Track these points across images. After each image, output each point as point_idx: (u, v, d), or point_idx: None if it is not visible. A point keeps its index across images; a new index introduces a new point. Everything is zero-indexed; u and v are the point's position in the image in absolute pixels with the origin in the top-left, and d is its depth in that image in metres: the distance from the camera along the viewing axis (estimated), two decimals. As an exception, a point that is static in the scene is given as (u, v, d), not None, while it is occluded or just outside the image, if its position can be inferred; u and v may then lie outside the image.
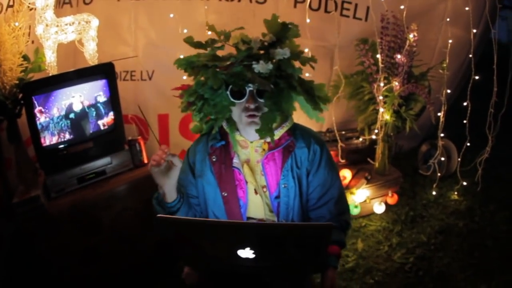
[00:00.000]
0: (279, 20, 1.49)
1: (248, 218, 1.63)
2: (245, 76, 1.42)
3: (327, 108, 1.53)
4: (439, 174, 3.16)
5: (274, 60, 1.46)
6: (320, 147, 1.61)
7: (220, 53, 1.51)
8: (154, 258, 2.48)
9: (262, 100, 1.47)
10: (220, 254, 1.40)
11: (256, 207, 1.62)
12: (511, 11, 5.40)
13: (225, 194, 1.59)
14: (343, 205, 1.67)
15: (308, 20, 2.69)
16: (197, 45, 1.51)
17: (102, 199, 2.24)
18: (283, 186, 1.57)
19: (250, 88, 1.46)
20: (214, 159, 1.59)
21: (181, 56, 1.50)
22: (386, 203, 3.08)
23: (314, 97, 1.50)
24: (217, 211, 1.62)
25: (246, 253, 1.30)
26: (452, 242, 2.78)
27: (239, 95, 1.47)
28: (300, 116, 1.61)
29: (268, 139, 1.54)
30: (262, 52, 1.48)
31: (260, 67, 1.41)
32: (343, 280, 2.49)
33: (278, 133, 1.57)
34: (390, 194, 3.07)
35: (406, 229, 2.93)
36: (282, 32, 1.49)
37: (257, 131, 1.45)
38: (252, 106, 1.46)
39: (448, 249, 2.71)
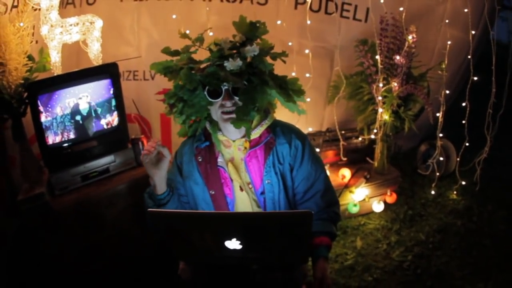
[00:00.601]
0: (247, 20, 1.58)
1: None
2: (218, 75, 1.50)
3: (303, 100, 1.62)
4: (437, 174, 3.18)
5: (247, 59, 1.54)
6: (302, 142, 1.67)
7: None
8: (156, 255, 2.47)
9: (237, 97, 1.54)
10: (209, 246, 1.45)
11: (243, 203, 1.69)
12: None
13: (213, 192, 1.67)
14: (330, 197, 1.71)
15: (308, 22, 2.72)
16: (174, 53, 1.61)
17: (105, 196, 2.27)
18: (266, 182, 1.64)
19: (226, 87, 1.54)
20: (200, 160, 1.68)
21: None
22: (385, 202, 3.10)
23: (288, 90, 1.59)
24: (206, 209, 1.69)
25: (234, 244, 1.36)
26: (451, 241, 2.79)
27: (216, 94, 1.55)
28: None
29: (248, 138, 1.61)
30: (234, 52, 1.55)
31: (230, 64, 1.49)
32: (342, 277, 2.52)
33: (258, 131, 1.64)
34: (389, 193, 3.09)
35: (405, 227, 2.94)
36: (251, 31, 1.58)
37: (232, 122, 1.53)
38: (228, 103, 1.54)
39: (446, 248, 2.73)
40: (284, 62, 1.64)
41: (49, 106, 2.12)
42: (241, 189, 1.67)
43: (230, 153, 1.67)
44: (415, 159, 3.61)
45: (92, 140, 2.31)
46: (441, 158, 3.25)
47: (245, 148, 1.65)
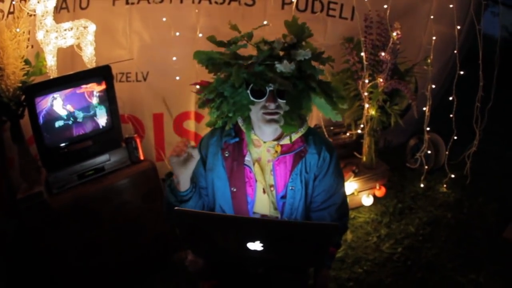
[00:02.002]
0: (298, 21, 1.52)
1: (254, 213, 1.67)
2: (266, 76, 1.44)
3: (346, 106, 1.57)
4: (426, 167, 3.21)
5: (295, 61, 1.47)
6: (330, 154, 1.64)
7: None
8: (152, 250, 2.56)
9: (281, 100, 1.48)
10: (230, 246, 1.46)
11: (262, 204, 1.67)
12: (504, 7, 5.44)
13: (234, 190, 1.62)
14: (344, 210, 1.72)
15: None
16: (220, 44, 1.53)
17: (101, 194, 2.32)
18: (290, 188, 1.61)
19: (271, 88, 1.47)
20: (226, 155, 1.62)
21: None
22: (374, 196, 3.13)
23: (333, 97, 1.51)
24: (224, 204, 1.66)
25: (255, 245, 1.36)
26: (441, 233, 2.83)
27: (259, 94, 1.48)
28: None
29: (282, 141, 1.59)
30: (283, 53, 1.50)
31: (283, 67, 1.43)
32: (333, 269, 2.53)
33: (293, 138, 1.59)
34: (377, 187, 3.12)
35: (395, 220, 2.97)
36: (301, 33, 1.53)
37: (281, 127, 1.49)
38: (272, 105, 1.48)
39: (437, 240, 2.76)
40: (333, 67, 1.58)
41: (46, 107, 2.17)
42: (264, 192, 1.63)
43: (258, 153, 1.63)
44: (404, 153, 3.64)
45: (88, 140, 2.35)
46: (429, 152, 3.29)
47: (276, 151, 1.61)
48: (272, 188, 1.63)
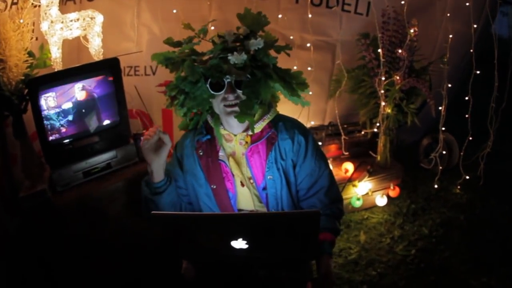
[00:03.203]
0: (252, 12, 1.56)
1: (239, 209, 1.68)
2: (222, 68, 1.47)
3: (308, 91, 1.60)
4: (440, 168, 3.17)
5: (250, 52, 1.50)
6: (305, 137, 1.63)
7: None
8: (159, 251, 2.47)
9: (240, 91, 1.51)
10: (215, 246, 1.43)
11: (245, 199, 1.67)
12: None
13: (214, 187, 1.64)
14: (334, 193, 1.69)
15: (310, 15, 2.71)
16: (176, 44, 1.58)
17: (108, 192, 2.26)
18: (268, 178, 1.61)
19: (228, 80, 1.51)
20: (201, 153, 1.66)
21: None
22: (388, 196, 3.10)
23: (291, 83, 1.56)
24: (208, 203, 1.67)
25: (240, 243, 1.34)
26: (454, 235, 2.80)
27: (218, 87, 1.52)
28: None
29: (250, 132, 1.59)
30: (237, 44, 1.53)
31: (235, 58, 1.46)
32: (346, 271, 2.52)
33: (260, 126, 1.62)
34: (392, 187, 3.09)
35: (408, 221, 2.95)
36: (255, 24, 1.55)
37: (235, 116, 1.50)
38: (231, 96, 1.52)
39: (450, 242, 2.73)
40: (288, 55, 1.62)
41: (50, 102, 2.10)
42: (242, 185, 1.65)
43: (231, 147, 1.65)
44: (417, 153, 3.61)
45: (94, 136, 2.29)
46: (444, 152, 3.24)
47: (247, 142, 1.63)
48: (251, 181, 1.64)
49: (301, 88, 1.58)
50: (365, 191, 3.01)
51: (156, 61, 1.58)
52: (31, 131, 2.21)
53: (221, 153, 1.65)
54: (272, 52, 1.58)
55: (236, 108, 1.52)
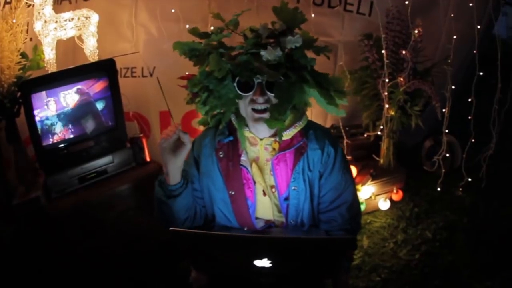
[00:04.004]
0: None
1: (256, 218, 1.57)
2: (252, 66, 1.34)
3: (346, 101, 1.44)
4: (443, 171, 3.12)
5: (285, 50, 1.36)
6: (335, 149, 1.53)
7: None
8: (158, 258, 2.43)
9: (271, 94, 1.38)
10: (236, 264, 1.35)
11: (264, 208, 1.56)
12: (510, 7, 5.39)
13: (232, 193, 1.52)
14: (355, 208, 1.61)
15: (312, 15, 2.66)
16: (203, 35, 1.44)
17: (104, 199, 2.22)
18: (293, 188, 1.50)
19: (259, 80, 1.37)
20: (221, 155, 1.53)
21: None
22: (391, 200, 3.07)
23: (329, 90, 1.40)
24: (224, 209, 1.56)
25: (263, 262, 1.26)
26: (457, 238, 2.76)
27: (247, 87, 1.39)
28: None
29: (278, 138, 1.48)
30: (272, 40, 1.38)
31: (268, 53, 1.32)
32: (350, 277, 2.43)
33: (291, 133, 1.49)
34: (395, 191, 3.06)
35: (411, 225, 2.91)
36: (292, 19, 1.40)
37: (265, 121, 1.38)
38: (260, 99, 1.38)
39: (453, 246, 2.70)
40: (328, 58, 1.48)
41: (43, 105, 2.06)
42: (264, 194, 1.53)
43: (255, 152, 1.52)
44: (419, 155, 3.57)
45: (89, 140, 2.25)
46: (447, 155, 3.19)
47: (274, 149, 1.50)
48: (273, 190, 1.53)
49: (339, 97, 1.42)
50: (368, 195, 2.97)
51: (178, 51, 1.42)
52: (24, 135, 2.16)
53: (243, 158, 1.52)
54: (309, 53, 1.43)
55: (266, 115, 1.39)
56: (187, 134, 1.40)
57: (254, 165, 1.52)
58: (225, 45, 1.41)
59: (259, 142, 1.51)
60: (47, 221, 2.05)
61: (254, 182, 1.52)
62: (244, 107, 1.44)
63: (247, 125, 1.50)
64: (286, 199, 1.52)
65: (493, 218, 2.94)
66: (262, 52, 1.32)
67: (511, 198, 3.08)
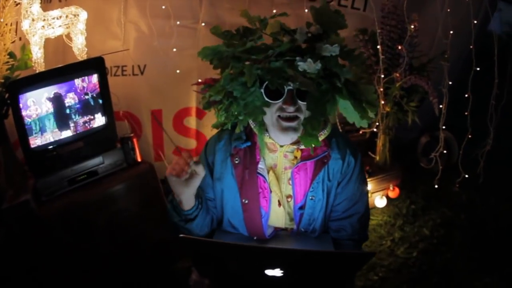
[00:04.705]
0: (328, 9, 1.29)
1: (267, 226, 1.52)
2: (285, 74, 1.23)
3: (373, 116, 1.35)
4: (440, 167, 3.09)
5: (319, 57, 1.26)
6: (355, 158, 1.47)
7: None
8: (152, 260, 2.42)
9: (302, 103, 1.30)
10: (246, 273, 1.31)
11: (277, 217, 1.50)
12: (505, 3, 5.38)
13: (246, 202, 1.44)
14: (365, 220, 1.57)
15: (306, 11, 2.62)
16: (227, 36, 1.32)
17: (95, 201, 2.17)
18: (310, 198, 1.44)
19: (290, 88, 1.28)
20: (236, 161, 1.44)
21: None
22: (387, 197, 3.05)
23: (362, 102, 1.30)
24: (233, 218, 1.50)
25: (275, 272, 1.20)
26: (455, 235, 2.75)
27: (276, 94, 1.29)
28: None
29: (302, 146, 1.39)
30: (305, 45, 1.29)
31: (307, 66, 1.21)
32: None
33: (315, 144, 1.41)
34: (391, 188, 3.04)
35: (408, 223, 2.89)
36: (331, 23, 1.29)
37: (300, 137, 1.29)
38: (291, 108, 1.29)
39: (451, 243, 2.68)
40: (365, 67, 1.42)
41: (32, 105, 2.01)
42: (279, 204, 1.47)
43: (273, 159, 1.45)
44: (414, 151, 3.55)
45: (79, 141, 2.19)
46: (445, 152, 3.16)
47: (295, 157, 1.42)
48: (289, 199, 1.46)
49: (371, 109, 1.32)
50: (364, 193, 2.92)
51: (202, 56, 1.32)
52: (13, 138, 2.12)
53: (260, 165, 1.43)
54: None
55: (294, 124, 1.31)
56: (201, 165, 1.30)
57: (271, 173, 1.45)
58: (253, 48, 1.29)
59: (278, 149, 1.43)
60: (38, 225, 2.00)
61: (270, 191, 1.45)
62: (270, 115, 1.34)
63: (267, 130, 1.42)
64: (301, 208, 1.46)
65: (491, 214, 2.92)
66: (300, 63, 1.23)
67: (508, 194, 3.07)
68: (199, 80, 1.42)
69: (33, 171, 2.10)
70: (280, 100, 1.30)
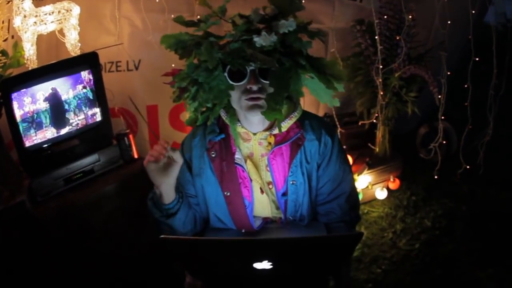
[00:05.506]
0: None
1: (253, 217, 1.50)
2: (244, 53, 1.25)
3: (341, 88, 1.36)
4: (440, 158, 3.08)
5: (278, 34, 1.28)
6: (332, 138, 1.47)
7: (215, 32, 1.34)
8: (149, 258, 2.37)
9: (265, 81, 1.30)
10: (234, 269, 1.29)
11: (262, 206, 1.49)
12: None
13: (228, 194, 1.45)
14: (354, 199, 1.55)
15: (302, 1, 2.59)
16: (190, 23, 1.35)
17: (92, 199, 2.15)
18: (291, 183, 1.43)
19: (252, 68, 1.29)
20: (213, 155, 1.44)
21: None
22: (387, 188, 3.03)
23: (326, 75, 1.32)
24: (219, 212, 1.49)
25: (263, 265, 1.19)
26: (457, 226, 2.74)
27: (239, 76, 1.31)
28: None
29: (275, 131, 1.40)
30: (263, 26, 1.31)
31: (262, 39, 1.23)
32: (350, 270, 2.39)
33: (286, 124, 1.42)
34: (392, 179, 3.03)
35: (409, 214, 2.88)
36: (286, 6, 1.31)
37: (263, 112, 1.29)
38: (254, 87, 1.30)
39: (453, 234, 2.67)
40: (323, 42, 1.42)
41: (24, 104, 1.97)
42: (262, 191, 1.47)
43: (249, 148, 1.45)
44: (413, 142, 3.54)
45: (73, 139, 2.17)
46: (444, 142, 3.15)
47: (269, 143, 1.43)
48: (270, 186, 1.47)
49: (338, 81, 1.34)
50: (365, 185, 2.93)
51: (165, 45, 1.34)
52: (8, 139, 2.08)
53: (237, 156, 1.45)
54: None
55: (260, 102, 1.31)
56: (177, 151, 1.32)
57: (248, 162, 1.45)
58: (213, 34, 1.33)
59: (252, 137, 1.44)
60: (34, 226, 1.98)
61: (251, 180, 1.45)
62: (237, 98, 1.35)
63: (239, 120, 1.43)
64: (284, 194, 1.46)
65: (492, 205, 2.92)
66: (256, 38, 1.24)
67: (509, 184, 3.06)
68: (170, 71, 1.42)
69: (28, 171, 2.07)
70: (244, 81, 1.31)
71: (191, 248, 1.22)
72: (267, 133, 1.42)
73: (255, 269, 1.20)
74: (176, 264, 2.23)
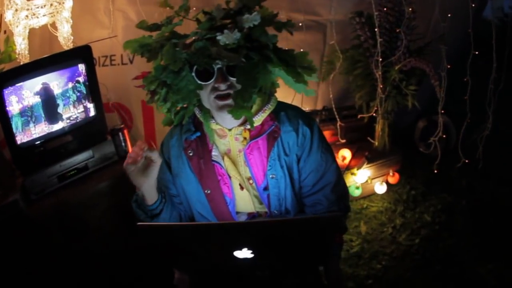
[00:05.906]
0: None
1: (237, 213, 1.50)
2: (209, 52, 1.24)
3: (315, 78, 1.35)
4: (439, 152, 3.05)
5: (244, 30, 1.26)
6: (310, 128, 1.44)
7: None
8: (146, 256, 2.30)
9: (233, 78, 1.28)
10: (215, 257, 1.26)
11: (244, 202, 1.48)
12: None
13: (208, 192, 1.45)
14: (341, 189, 1.52)
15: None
16: (153, 27, 1.34)
17: (87, 197, 2.14)
18: (270, 177, 1.42)
19: (219, 66, 1.28)
20: (190, 154, 1.44)
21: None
22: (387, 183, 3.01)
23: (296, 67, 1.31)
24: (202, 210, 1.48)
25: (244, 253, 1.16)
26: (456, 221, 2.73)
27: (207, 75, 1.30)
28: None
29: (248, 126, 1.38)
30: (228, 21, 1.29)
31: (225, 37, 1.22)
32: (349, 266, 2.42)
33: (260, 118, 1.40)
34: (391, 173, 3.01)
35: (409, 209, 2.87)
36: None
37: (229, 111, 1.28)
38: (222, 86, 1.29)
39: (453, 229, 2.66)
40: (291, 33, 1.39)
41: (16, 100, 1.94)
42: (242, 188, 1.46)
43: (225, 144, 1.44)
44: (412, 136, 3.51)
45: (67, 135, 2.15)
46: (444, 136, 3.12)
47: (245, 138, 1.42)
48: (251, 181, 1.45)
49: (308, 73, 1.32)
50: (364, 179, 2.91)
51: (129, 49, 1.33)
52: (0, 137, 2.07)
53: (214, 153, 1.44)
54: (270, 30, 1.33)
55: (230, 101, 1.30)
56: (155, 151, 1.32)
57: (226, 158, 1.44)
58: (177, 34, 1.32)
59: (228, 134, 1.42)
60: (28, 225, 1.96)
61: (229, 177, 1.45)
62: (207, 98, 1.34)
63: (212, 117, 1.42)
64: (265, 189, 1.44)
65: (492, 199, 2.91)
66: (219, 36, 1.23)
67: (508, 178, 3.05)
68: (139, 74, 1.41)
69: (21, 169, 2.05)
70: (212, 80, 1.30)
71: (168, 235, 1.20)
72: (242, 128, 1.41)
73: (237, 258, 1.17)
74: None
